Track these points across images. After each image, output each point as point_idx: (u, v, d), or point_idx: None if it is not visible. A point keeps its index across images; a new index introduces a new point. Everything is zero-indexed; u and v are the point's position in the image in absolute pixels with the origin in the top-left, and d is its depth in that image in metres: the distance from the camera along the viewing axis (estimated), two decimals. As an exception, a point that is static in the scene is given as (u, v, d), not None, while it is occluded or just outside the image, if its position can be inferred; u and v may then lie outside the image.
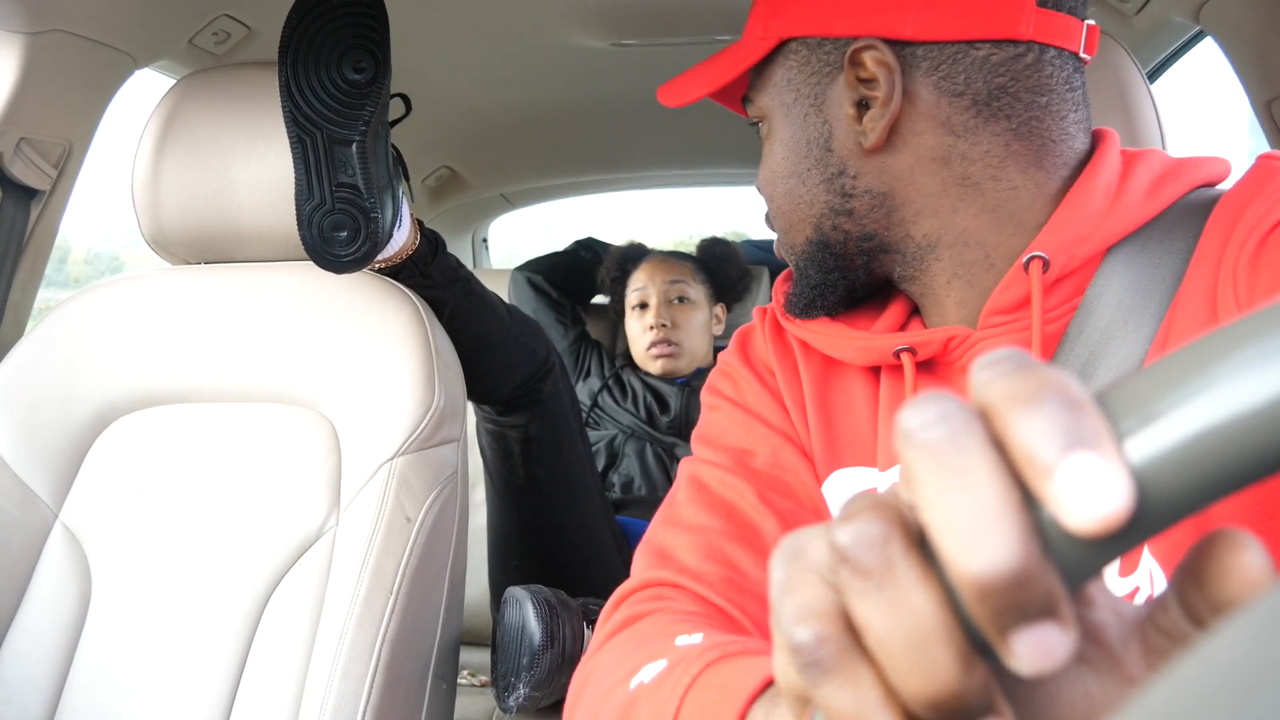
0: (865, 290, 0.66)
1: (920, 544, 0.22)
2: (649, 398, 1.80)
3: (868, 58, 0.57)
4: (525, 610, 1.07)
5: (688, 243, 2.04)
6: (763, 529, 0.61)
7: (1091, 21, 0.58)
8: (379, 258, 1.03)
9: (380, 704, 0.83)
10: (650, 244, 1.99)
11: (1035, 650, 0.21)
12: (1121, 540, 0.20)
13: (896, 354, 0.61)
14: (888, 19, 0.56)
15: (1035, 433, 0.20)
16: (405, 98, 1.07)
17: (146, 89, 1.19)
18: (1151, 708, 0.15)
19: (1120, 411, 0.21)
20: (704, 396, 0.73)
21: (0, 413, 0.98)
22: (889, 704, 0.22)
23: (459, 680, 1.42)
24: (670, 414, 1.77)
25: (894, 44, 0.57)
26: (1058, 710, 0.26)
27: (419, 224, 1.10)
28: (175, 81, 1.06)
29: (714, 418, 0.70)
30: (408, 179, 1.10)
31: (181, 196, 1.02)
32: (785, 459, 0.65)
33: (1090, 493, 0.20)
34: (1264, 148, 1.04)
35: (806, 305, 0.65)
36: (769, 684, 0.41)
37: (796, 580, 0.24)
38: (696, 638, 0.50)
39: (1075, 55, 0.58)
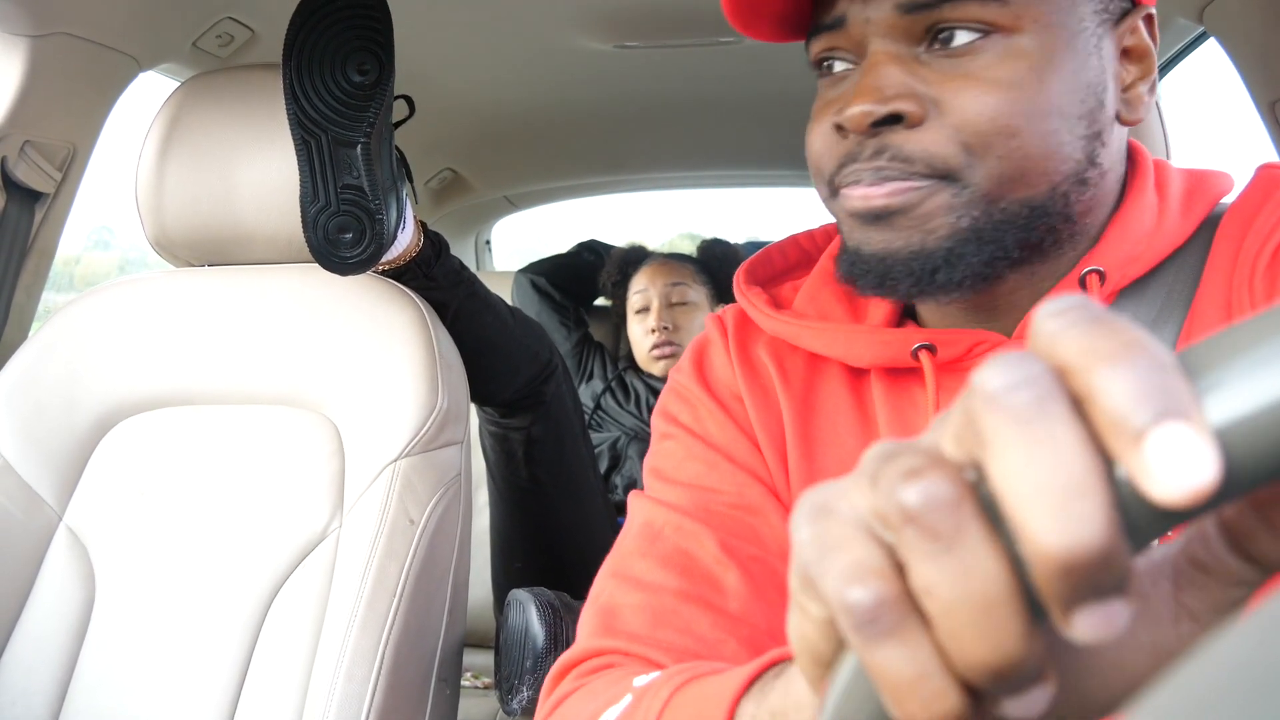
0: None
1: (985, 508, 0.22)
2: (651, 400, 1.80)
3: (1142, 26, 0.52)
4: (528, 613, 1.07)
5: (688, 245, 2.04)
6: (724, 583, 0.55)
7: None
8: (383, 260, 1.04)
9: (384, 706, 0.83)
10: (650, 246, 1.99)
11: (1098, 623, 0.20)
12: (1197, 510, 0.20)
13: (914, 353, 0.55)
14: None
15: (1125, 396, 0.19)
16: (409, 99, 1.07)
17: (150, 92, 1.19)
18: (1155, 709, 0.15)
19: (1201, 373, 0.20)
20: (656, 422, 0.65)
21: (5, 416, 0.98)
22: (946, 668, 0.21)
23: (462, 683, 1.43)
24: (673, 416, 1.77)
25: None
26: (1089, 658, 0.26)
27: (422, 226, 1.11)
28: (179, 84, 1.06)
29: (669, 448, 0.62)
30: (411, 181, 1.10)
31: (185, 199, 1.02)
32: (751, 499, 0.58)
33: (1180, 465, 0.19)
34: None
35: (961, 279, 0.51)
36: (748, 687, 0.39)
37: (838, 536, 0.23)
38: (655, 673, 0.47)
39: None
